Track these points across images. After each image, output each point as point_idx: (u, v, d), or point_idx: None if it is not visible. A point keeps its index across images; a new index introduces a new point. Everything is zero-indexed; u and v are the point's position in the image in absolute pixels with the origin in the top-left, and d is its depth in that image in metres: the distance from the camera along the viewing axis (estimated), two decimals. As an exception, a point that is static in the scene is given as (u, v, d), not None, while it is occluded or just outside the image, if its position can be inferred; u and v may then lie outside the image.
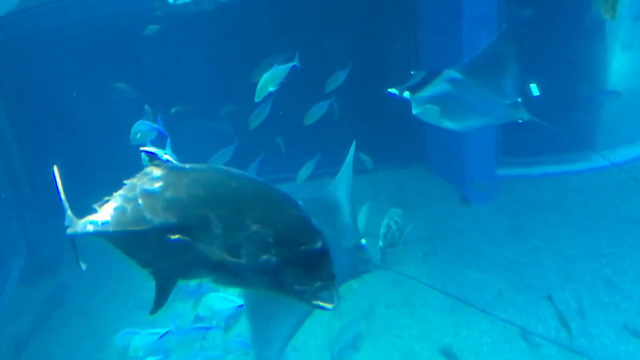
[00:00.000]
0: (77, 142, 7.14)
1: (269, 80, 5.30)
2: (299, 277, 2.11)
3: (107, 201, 2.37)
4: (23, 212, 6.99)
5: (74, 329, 5.69)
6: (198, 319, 5.10)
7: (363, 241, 4.20)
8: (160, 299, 2.37)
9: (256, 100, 5.41)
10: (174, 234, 2.18)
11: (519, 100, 4.91)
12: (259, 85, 5.28)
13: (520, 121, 4.91)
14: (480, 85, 4.87)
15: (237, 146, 6.56)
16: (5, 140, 6.91)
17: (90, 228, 2.36)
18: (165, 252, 2.24)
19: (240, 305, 4.53)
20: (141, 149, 2.38)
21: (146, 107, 5.78)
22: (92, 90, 6.90)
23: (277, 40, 7.00)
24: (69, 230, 2.44)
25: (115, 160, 5.57)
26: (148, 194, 2.26)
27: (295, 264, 2.10)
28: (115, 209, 2.31)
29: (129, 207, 2.28)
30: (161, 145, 5.16)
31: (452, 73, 4.81)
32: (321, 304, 2.11)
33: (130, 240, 2.29)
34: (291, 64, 5.41)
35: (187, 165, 2.31)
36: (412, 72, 5.18)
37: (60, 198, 2.52)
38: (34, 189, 7.06)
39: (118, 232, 2.29)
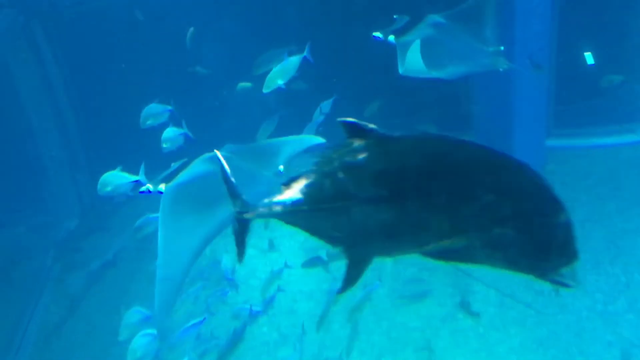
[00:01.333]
0: (126, 110, 7.29)
1: (278, 73, 5.05)
2: (539, 253, 1.91)
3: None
4: (76, 175, 7.23)
5: (124, 288, 5.91)
6: None
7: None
8: (353, 278, 2.16)
9: (264, 91, 5.14)
10: (384, 207, 2.00)
11: (501, 48, 4.88)
12: (268, 77, 5.04)
13: (501, 69, 4.85)
14: (463, 31, 4.81)
15: (281, 114, 6.55)
16: (60, 106, 7.12)
17: (278, 209, 2.20)
18: (367, 228, 2.06)
19: (136, 181, 4.47)
20: (340, 119, 2.14)
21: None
22: (140, 60, 7.00)
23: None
24: (247, 215, 2.29)
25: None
26: (351, 166, 2.06)
27: (535, 238, 1.90)
28: (308, 186, 2.14)
29: (327, 182, 2.10)
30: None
31: (436, 18, 4.74)
32: (563, 281, 1.92)
33: (327, 217, 2.12)
34: (301, 56, 5.15)
35: (395, 134, 2.07)
36: (394, 16, 5.12)
37: (231, 184, 2.38)
38: (86, 153, 7.28)
39: (315, 210, 2.12)
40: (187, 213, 3.50)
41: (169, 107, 5.33)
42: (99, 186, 4.83)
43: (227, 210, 3.22)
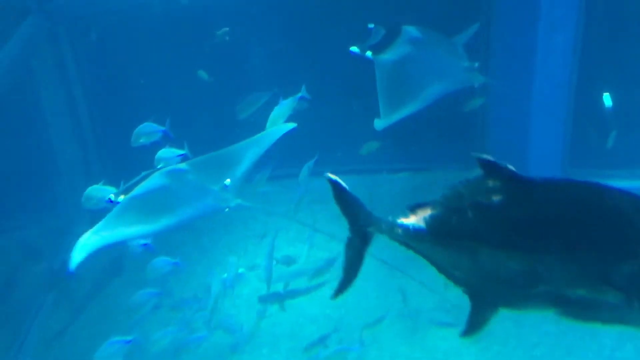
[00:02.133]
0: (143, 120, 7.35)
1: (277, 118, 5.01)
2: None
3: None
4: (89, 182, 7.26)
5: (129, 297, 5.90)
6: None
7: (227, 182, 4.21)
8: (475, 325, 2.08)
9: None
10: (519, 256, 1.89)
11: (476, 64, 4.94)
12: (268, 123, 4.98)
13: (476, 85, 4.84)
14: (438, 45, 4.81)
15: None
16: (78, 113, 7.19)
17: (399, 231, 2.22)
18: (495, 275, 1.96)
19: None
20: (476, 155, 2.13)
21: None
22: (156, 67, 7.08)
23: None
24: (371, 229, 2.29)
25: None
26: (483, 206, 1.99)
27: None
28: (434, 217, 2.11)
29: (454, 217, 2.06)
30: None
31: (413, 32, 4.74)
32: None
33: (449, 254, 2.07)
34: (298, 96, 5.13)
35: (537, 177, 1.96)
36: (370, 26, 5.12)
37: (349, 196, 2.36)
38: (101, 161, 7.34)
39: (437, 243, 2.09)
40: (130, 224, 3.91)
41: (162, 128, 5.36)
42: (83, 199, 4.85)
43: (165, 221, 3.84)
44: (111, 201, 4.11)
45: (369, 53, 4.87)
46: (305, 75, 6.72)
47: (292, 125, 4.80)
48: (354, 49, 4.92)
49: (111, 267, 6.24)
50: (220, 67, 7.06)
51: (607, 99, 6.45)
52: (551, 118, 6.38)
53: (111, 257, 6.36)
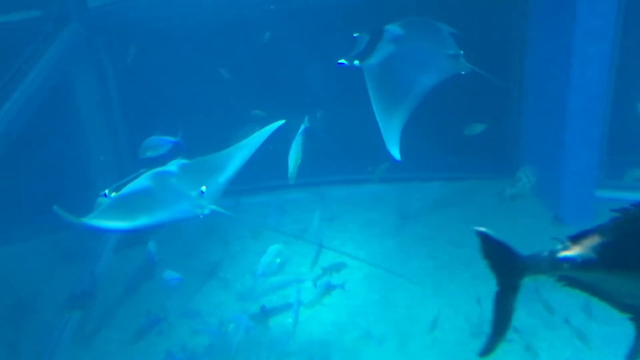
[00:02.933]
0: (174, 125, 7.48)
1: (296, 158, 5.16)
2: None
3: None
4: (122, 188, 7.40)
5: (159, 302, 5.97)
6: None
7: (203, 189, 4.40)
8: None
9: (291, 182, 5.31)
10: None
11: (461, 52, 4.96)
12: (290, 170, 5.14)
13: (463, 73, 4.95)
14: (422, 38, 4.81)
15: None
16: (116, 123, 7.34)
17: (565, 265, 2.09)
18: None
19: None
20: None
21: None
22: (185, 72, 7.19)
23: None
24: (523, 275, 2.14)
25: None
26: None
27: None
28: (605, 244, 2.00)
29: (630, 243, 1.94)
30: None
31: (395, 30, 4.85)
32: None
33: (627, 283, 1.99)
34: (302, 127, 5.23)
35: None
36: (355, 35, 5.15)
37: (501, 262, 2.18)
38: (135, 165, 7.45)
39: (611, 271, 1.99)
40: (114, 220, 4.27)
41: (172, 139, 5.44)
42: (140, 150, 5.44)
43: (143, 221, 4.24)
44: (105, 195, 4.44)
45: (356, 62, 4.94)
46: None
47: (279, 123, 4.90)
48: (342, 61, 5.01)
49: (142, 272, 6.33)
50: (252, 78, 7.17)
51: (643, 110, 6.32)
52: (586, 130, 6.27)
53: (142, 262, 6.48)
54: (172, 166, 4.66)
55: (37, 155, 6.04)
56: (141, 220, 4.33)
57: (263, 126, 5.10)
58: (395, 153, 4.98)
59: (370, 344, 5.33)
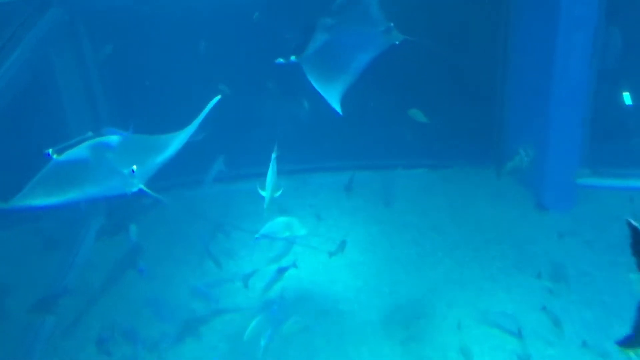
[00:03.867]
0: (157, 106, 7.41)
1: (272, 188, 5.09)
2: None
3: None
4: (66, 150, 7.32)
5: (142, 291, 5.94)
6: None
7: (134, 168, 4.39)
8: None
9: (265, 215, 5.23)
10: None
11: (391, 24, 5.07)
12: (266, 202, 5.05)
13: (397, 42, 5.07)
14: (352, 22, 5.06)
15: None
16: (98, 107, 7.25)
17: None
18: None
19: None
20: None
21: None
22: (168, 56, 7.12)
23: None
24: None
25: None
26: None
27: None
28: None
29: None
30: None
31: (325, 20, 5.04)
32: None
33: None
34: (274, 156, 5.16)
35: None
36: (287, 35, 5.31)
37: None
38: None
39: None
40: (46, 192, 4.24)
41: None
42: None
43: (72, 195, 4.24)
44: (49, 155, 4.31)
45: (293, 57, 5.03)
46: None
47: (215, 100, 4.88)
48: (280, 60, 5.11)
49: (125, 259, 6.28)
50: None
51: (627, 98, 6.38)
52: (569, 118, 6.31)
53: (126, 249, 6.43)
54: (113, 139, 4.55)
55: (18, 141, 5.96)
56: (71, 194, 4.30)
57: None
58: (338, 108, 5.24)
59: (353, 331, 5.35)
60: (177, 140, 4.73)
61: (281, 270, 5.66)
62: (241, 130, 7.29)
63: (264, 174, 7.60)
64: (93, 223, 6.97)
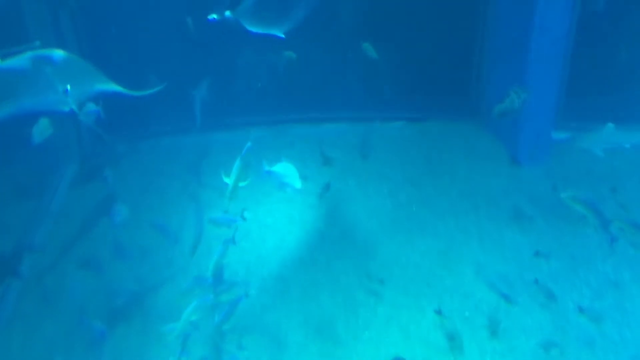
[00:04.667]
0: (133, 48, 7.23)
1: (237, 177, 4.85)
2: None
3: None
4: (79, 121, 7.19)
5: (115, 237, 5.92)
6: None
7: (68, 87, 4.40)
8: None
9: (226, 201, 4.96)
10: None
11: None
12: (229, 189, 4.82)
13: None
14: None
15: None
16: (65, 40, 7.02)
17: None
18: None
19: None
20: None
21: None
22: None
23: None
24: None
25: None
26: None
27: None
28: None
29: None
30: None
31: None
32: None
33: None
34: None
35: None
36: None
37: None
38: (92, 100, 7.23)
39: None
40: None
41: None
42: None
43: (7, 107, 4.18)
44: None
45: (227, 13, 5.19)
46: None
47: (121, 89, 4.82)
48: (213, 16, 5.10)
49: (100, 208, 6.23)
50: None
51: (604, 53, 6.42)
52: (547, 72, 6.33)
53: (100, 198, 6.38)
54: (56, 55, 4.45)
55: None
56: (5, 104, 4.26)
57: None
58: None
59: (328, 280, 5.44)
60: (114, 86, 4.69)
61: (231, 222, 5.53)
62: (219, 80, 7.18)
63: (242, 124, 7.63)
64: (66, 170, 6.88)
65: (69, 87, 4.34)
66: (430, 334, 4.83)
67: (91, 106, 5.17)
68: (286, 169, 5.05)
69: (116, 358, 4.78)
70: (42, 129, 5.11)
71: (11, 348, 4.84)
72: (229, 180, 4.74)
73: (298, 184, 5.03)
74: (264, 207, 6.31)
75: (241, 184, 4.76)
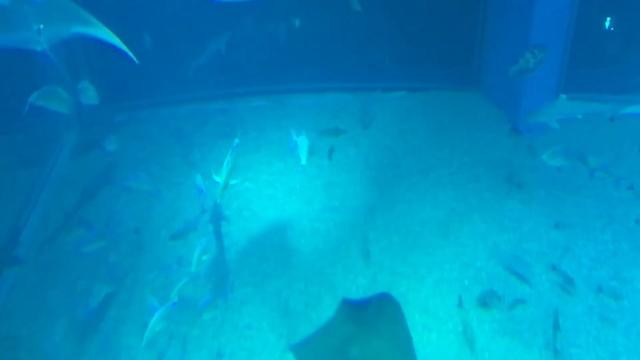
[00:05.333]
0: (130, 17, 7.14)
1: (227, 176, 4.57)
2: None
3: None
4: (78, 91, 7.16)
5: (117, 207, 5.95)
6: None
7: (41, 26, 4.21)
8: None
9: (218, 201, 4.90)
10: None
11: None
12: (220, 187, 4.57)
13: None
14: None
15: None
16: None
17: None
18: None
19: None
20: None
21: None
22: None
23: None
24: None
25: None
26: None
27: None
28: None
29: None
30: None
31: None
32: None
33: None
34: (235, 142, 4.66)
35: None
36: None
37: None
38: (91, 69, 7.19)
39: None
40: None
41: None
42: None
43: None
44: None
45: None
46: None
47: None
48: None
49: (101, 176, 6.25)
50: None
51: (607, 23, 6.36)
52: (550, 42, 6.26)
53: (101, 166, 6.39)
54: None
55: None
56: None
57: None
58: None
59: (328, 249, 5.47)
60: (101, 30, 4.55)
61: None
62: (218, 50, 7.13)
63: (241, 94, 7.60)
64: (67, 140, 6.87)
65: (42, 26, 4.19)
66: (429, 302, 4.87)
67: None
68: (303, 143, 5.23)
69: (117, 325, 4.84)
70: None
71: (12, 318, 4.88)
72: (219, 179, 4.55)
73: (304, 160, 5.08)
74: (264, 177, 6.32)
75: (232, 182, 4.59)
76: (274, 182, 6.26)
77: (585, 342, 4.48)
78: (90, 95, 5.14)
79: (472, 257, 5.25)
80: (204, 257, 4.84)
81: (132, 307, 4.94)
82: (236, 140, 4.72)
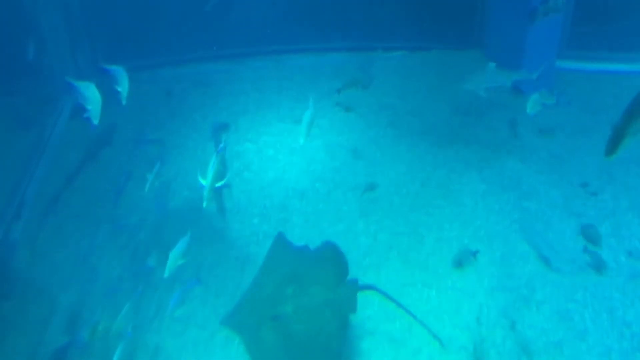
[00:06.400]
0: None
1: (214, 176, 4.42)
2: None
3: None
4: (77, 53, 7.11)
5: (118, 167, 5.97)
6: None
7: None
8: None
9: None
10: None
11: None
12: (205, 192, 4.40)
13: None
14: None
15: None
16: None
17: None
18: None
19: None
20: None
21: None
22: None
23: None
24: None
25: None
26: None
27: None
28: None
29: None
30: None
31: None
32: None
33: None
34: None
35: None
36: None
37: None
38: (88, 33, 7.12)
39: None
40: None
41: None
42: None
43: None
44: None
45: None
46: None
47: None
48: None
49: (102, 137, 6.24)
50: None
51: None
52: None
53: (102, 127, 6.36)
54: None
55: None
56: None
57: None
58: None
59: (330, 209, 5.50)
60: None
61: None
62: (219, 9, 7.04)
63: (241, 55, 7.52)
64: (66, 101, 6.84)
65: None
66: (429, 260, 4.93)
67: None
68: (306, 117, 4.94)
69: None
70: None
71: (16, 275, 4.95)
72: (204, 182, 4.40)
73: (302, 139, 4.94)
74: (265, 138, 6.32)
75: (218, 185, 4.46)
76: (275, 143, 6.26)
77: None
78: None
79: (472, 216, 5.29)
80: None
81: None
82: (222, 145, 4.68)
